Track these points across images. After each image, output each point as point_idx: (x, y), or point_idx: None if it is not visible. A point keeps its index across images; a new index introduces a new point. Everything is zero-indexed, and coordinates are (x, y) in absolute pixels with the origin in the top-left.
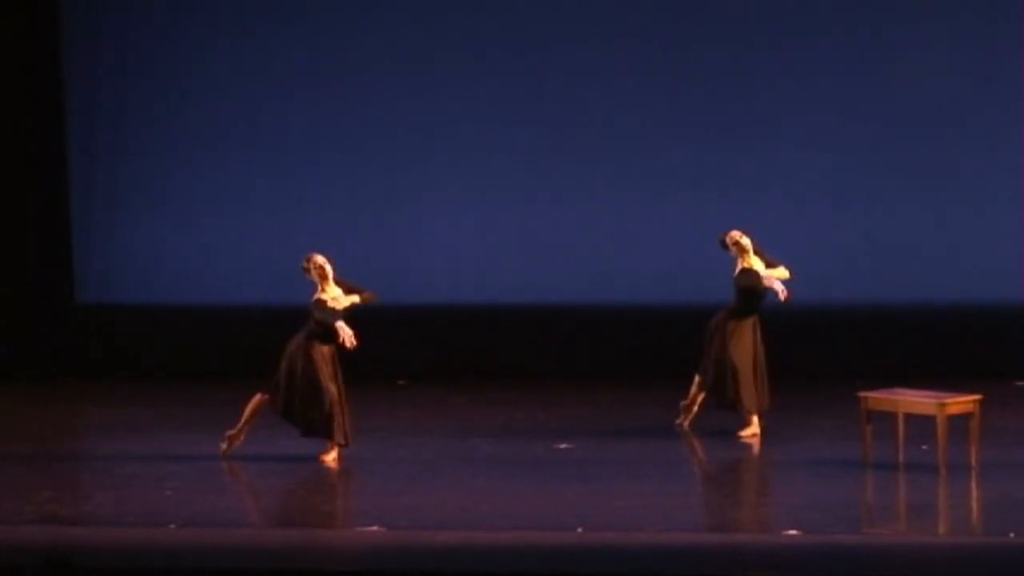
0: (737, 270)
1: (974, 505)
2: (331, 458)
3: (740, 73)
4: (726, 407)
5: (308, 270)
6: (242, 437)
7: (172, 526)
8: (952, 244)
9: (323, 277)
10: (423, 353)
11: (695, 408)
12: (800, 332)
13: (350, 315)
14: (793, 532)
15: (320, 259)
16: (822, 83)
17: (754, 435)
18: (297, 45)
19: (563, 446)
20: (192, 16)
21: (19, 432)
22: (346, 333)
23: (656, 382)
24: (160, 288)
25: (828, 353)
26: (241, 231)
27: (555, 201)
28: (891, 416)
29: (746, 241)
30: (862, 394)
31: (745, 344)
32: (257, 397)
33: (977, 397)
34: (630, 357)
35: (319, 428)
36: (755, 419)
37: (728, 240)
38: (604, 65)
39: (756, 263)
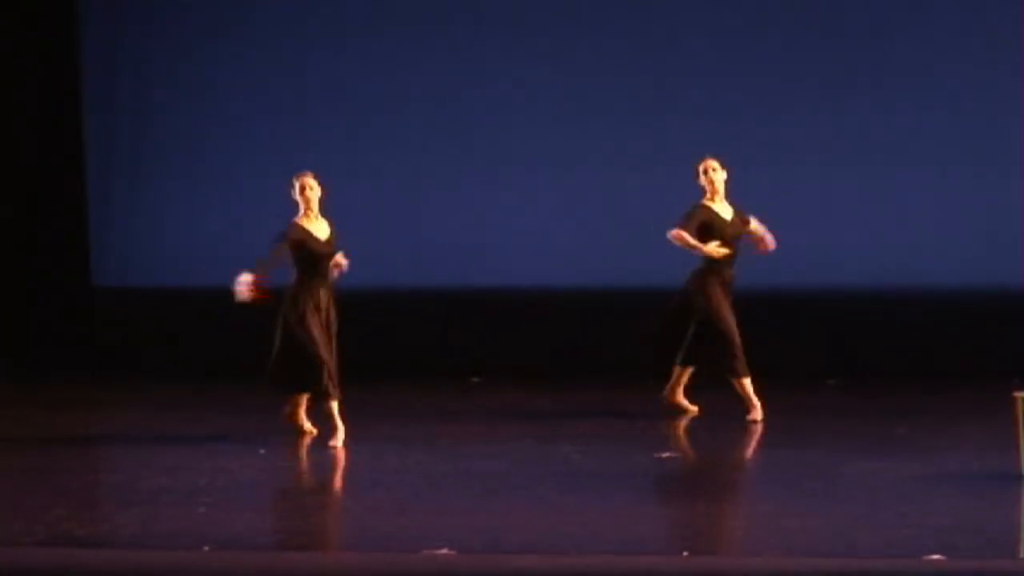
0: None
1: None
2: (339, 443)
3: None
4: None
5: (292, 186)
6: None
7: (205, 549)
8: None
9: (305, 200)
10: (500, 345)
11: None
12: (944, 322)
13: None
14: (937, 557)
15: (311, 180)
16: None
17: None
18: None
19: (666, 455)
20: None
21: (29, 438)
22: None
23: (773, 381)
24: (187, 271)
25: (977, 347)
26: (276, 207)
27: (652, 173)
28: None
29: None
30: (1018, 395)
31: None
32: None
33: None
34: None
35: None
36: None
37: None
38: (688, 28)
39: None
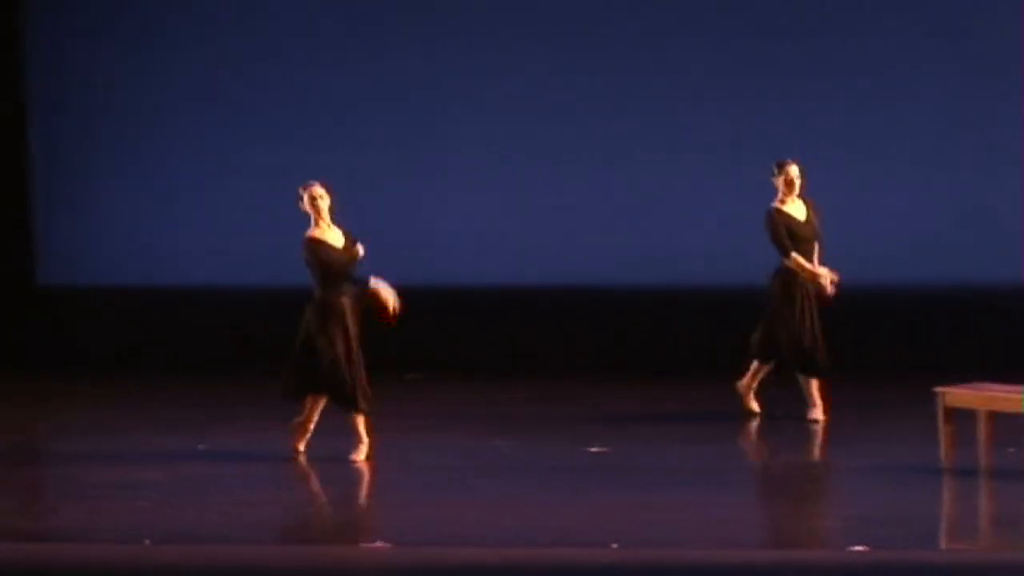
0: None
1: None
2: (362, 457)
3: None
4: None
5: (300, 196)
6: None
7: (147, 542)
8: None
9: (315, 210)
10: (437, 342)
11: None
12: (870, 319)
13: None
14: (860, 548)
15: (320, 189)
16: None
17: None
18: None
19: (596, 450)
20: None
21: None
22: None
23: (709, 376)
24: (134, 269)
25: (902, 342)
26: (226, 205)
27: (598, 169)
28: (973, 415)
29: None
30: (939, 389)
31: None
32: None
33: None
34: (679, 347)
35: (342, 397)
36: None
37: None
38: (659, 19)
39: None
